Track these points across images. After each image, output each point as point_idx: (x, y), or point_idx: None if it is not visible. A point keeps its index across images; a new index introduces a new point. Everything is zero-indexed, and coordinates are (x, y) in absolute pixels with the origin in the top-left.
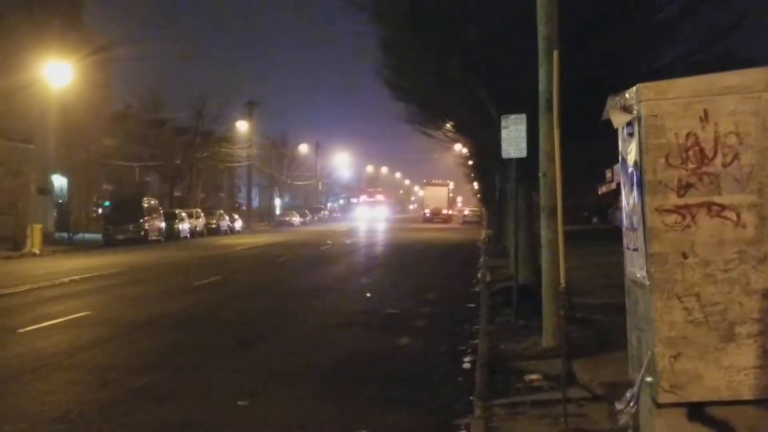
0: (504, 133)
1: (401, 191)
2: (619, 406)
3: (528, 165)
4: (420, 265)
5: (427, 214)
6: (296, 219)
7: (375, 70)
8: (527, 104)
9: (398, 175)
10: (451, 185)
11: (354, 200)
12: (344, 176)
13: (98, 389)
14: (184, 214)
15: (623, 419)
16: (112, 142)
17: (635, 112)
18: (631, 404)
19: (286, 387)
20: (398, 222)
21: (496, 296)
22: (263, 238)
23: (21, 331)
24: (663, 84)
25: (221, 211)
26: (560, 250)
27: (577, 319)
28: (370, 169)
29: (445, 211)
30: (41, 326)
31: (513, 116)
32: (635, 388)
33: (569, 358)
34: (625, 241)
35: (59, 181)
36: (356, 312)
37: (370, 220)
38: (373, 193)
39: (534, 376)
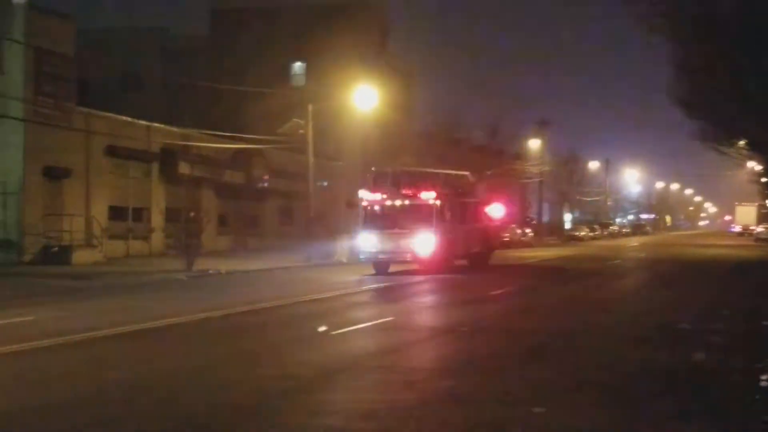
0: None
1: (691, 207)
2: None
3: None
4: (710, 282)
5: (738, 229)
6: (585, 233)
7: (667, 88)
8: None
9: (689, 191)
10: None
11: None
12: (633, 192)
13: (403, 390)
14: None
15: None
16: (412, 160)
17: None
18: None
19: (579, 396)
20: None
21: None
22: (553, 251)
23: (333, 333)
24: None
25: (514, 225)
26: None
27: None
28: (660, 185)
29: (752, 227)
30: (350, 329)
31: None
32: None
33: None
34: None
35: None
36: (645, 326)
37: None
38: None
39: None
